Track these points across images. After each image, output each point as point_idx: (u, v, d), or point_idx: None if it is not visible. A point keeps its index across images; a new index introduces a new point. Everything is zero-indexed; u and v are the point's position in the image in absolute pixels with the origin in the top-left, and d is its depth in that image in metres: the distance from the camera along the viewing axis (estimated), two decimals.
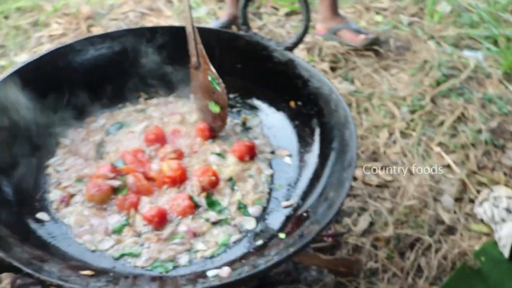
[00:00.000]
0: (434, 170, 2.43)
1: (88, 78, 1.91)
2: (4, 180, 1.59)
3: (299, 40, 1.86)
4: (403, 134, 2.60)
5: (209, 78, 1.75)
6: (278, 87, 1.89)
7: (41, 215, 1.59)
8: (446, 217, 2.26)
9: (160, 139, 1.79)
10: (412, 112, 2.69)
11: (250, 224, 1.59)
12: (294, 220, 1.54)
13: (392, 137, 2.58)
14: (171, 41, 1.96)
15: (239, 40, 1.95)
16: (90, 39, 1.93)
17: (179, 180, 1.65)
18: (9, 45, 3.13)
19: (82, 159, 1.76)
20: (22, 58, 3.02)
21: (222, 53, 1.95)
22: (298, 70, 1.84)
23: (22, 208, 1.58)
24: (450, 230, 2.23)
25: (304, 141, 1.78)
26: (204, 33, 1.93)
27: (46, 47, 3.11)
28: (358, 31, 3.04)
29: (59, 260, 1.43)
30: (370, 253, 2.12)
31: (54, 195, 1.66)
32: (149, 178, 1.67)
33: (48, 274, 1.29)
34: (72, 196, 1.65)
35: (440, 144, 2.55)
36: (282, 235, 1.50)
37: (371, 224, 2.22)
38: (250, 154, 1.76)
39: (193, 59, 1.77)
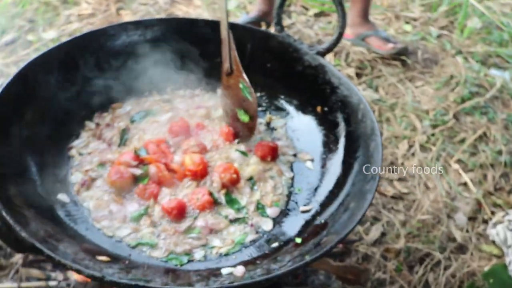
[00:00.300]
0: (450, 187, 2.43)
1: (117, 63, 1.91)
2: (30, 159, 1.60)
3: (332, 46, 1.86)
4: (423, 148, 2.60)
5: (241, 85, 1.73)
6: (306, 90, 1.89)
7: (61, 196, 1.60)
8: (458, 235, 2.25)
9: (184, 132, 1.79)
10: (434, 126, 2.68)
11: (267, 225, 1.59)
12: (312, 227, 1.54)
13: (412, 150, 2.57)
14: (204, 34, 1.96)
15: (272, 40, 1.95)
16: (124, 25, 1.93)
17: (200, 174, 1.66)
18: (38, 21, 3.14)
19: (106, 144, 1.77)
20: (50, 35, 3.03)
21: (253, 51, 1.95)
22: (328, 76, 1.83)
23: (44, 188, 1.59)
24: (461, 248, 2.23)
25: (328, 148, 1.78)
26: (238, 29, 1.94)
27: (75, 26, 3.12)
28: (386, 40, 3.03)
29: (74, 242, 1.44)
30: (379, 263, 2.12)
31: (75, 177, 1.67)
32: (170, 170, 1.67)
33: (63, 255, 1.29)
34: (93, 180, 1.66)
35: (459, 161, 2.55)
36: (298, 240, 1.51)
37: (383, 234, 2.23)
38: (273, 155, 1.76)
39: (226, 65, 1.74)
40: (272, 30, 2.88)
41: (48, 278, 1.91)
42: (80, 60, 1.83)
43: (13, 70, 2.72)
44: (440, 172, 2.48)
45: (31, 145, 1.60)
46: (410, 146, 2.59)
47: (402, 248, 2.17)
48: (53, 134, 1.71)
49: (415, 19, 3.52)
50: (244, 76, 1.72)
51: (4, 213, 1.15)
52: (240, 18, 3.13)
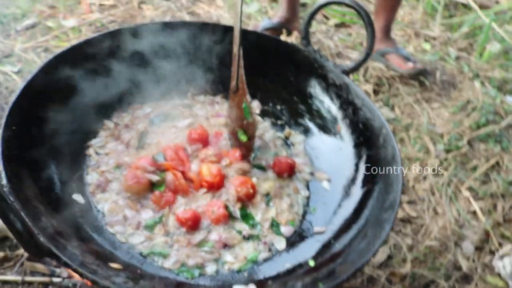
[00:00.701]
0: (459, 214, 2.42)
1: (141, 63, 1.89)
2: (50, 157, 1.58)
3: (358, 66, 1.84)
4: (435, 172, 2.58)
5: (243, 105, 1.71)
6: (327, 109, 1.87)
7: (76, 197, 1.59)
8: (464, 264, 2.24)
9: (203, 140, 1.78)
10: (448, 151, 2.66)
11: (280, 244, 1.58)
12: (327, 252, 1.52)
13: (423, 173, 2.56)
14: (229, 41, 1.94)
15: (297, 53, 1.93)
16: (151, 25, 1.91)
17: (216, 186, 1.65)
18: (59, 7, 3.12)
19: (124, 145, 1.76)
20: (70, 23, 3.01)
21: (278, 62, 1.94)
22: (352, 96, 1.82)
23: (61, 187, 1.57)
24: (466, 278, 2.21)
25: (346, 170, 1.76)
26: (263, 39, 1.93)
27: (95, 16, 3.10)
28: (407, 58, 3.01)
29: (85, 245, 1.43)
30: (384, 286, 2.11)
31: (91, 177, 1.66)
32: (187, 178, 1.66)
33: (70, 257, 1.26)
34: (109, 182, 1.64)
35: (469, 188, 2.53)
36: (312, 263, 1.49)
37: (389, 257, 2.21)
38: (290, 172, 1.75)
39: (233, 83, 1.70)
40: (293, 38, 2.88)
41: (52, 274, 1.89)
42: (105, 56, 1.82)
43: (31, 56, 2.71)
44: (450, 198, 2.46)
45: (51, 142, 1.59)
46: (422, 169, 2.58)
47: (408, 273, 2.15)
48: (72, 131, 1.69)
49: (434, 38, 3.50)
50: (248, 96, 1.70)
51: (25, 217, 1.13)
52: (262, 23, 3.11)
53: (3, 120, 1.46)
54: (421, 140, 2.70)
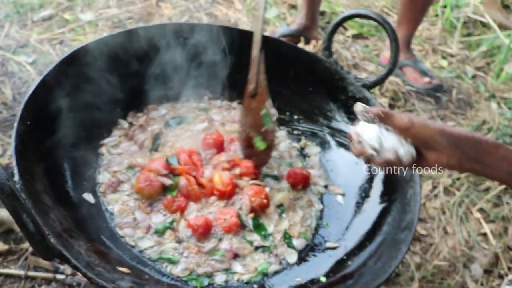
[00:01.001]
0: (469, 236, 2.38)
1: (157, 63, 1.86)
2: (63, 153, 1.56)
3: (380, 82, 1.81)
4: (447, 191, 2.55)
5: (263, 112, 1.64)
6: (347, 123, 1.84)
7: (87, 196, 1.56)
8: (472, 287, 2.21)
9: (218, 145, 1.75)
10: None
11: (292, 257, 1.55)
12: (340, 270, 1.48)
13: (435, 191, 2.52)
14: (247, 46, 1.91)
15: (318, 64, 1.90)
16: (172, 25, 1.88)
17: (227, 196, 1.61)
18: (77, 0, 3.10)
19: (137, 146, 1.73)
20: (88, 17, 2.99)
21: (297, 71, 1.91)
22: None
23: (72, 185, 1.55)
24: None
25: (362, 186, 1.73)
26: (284, 47, 1.91)
27: (113, 11, 3.08)
28: (423, 73, 2.98)
29: (89, 245, 1.39)
30: None
31: (103, 177, 1.63)
32: (199, 184, 1.63)
33: (77, 258, 1.22)
34: (120, 182, 1.62)
35: (481, 210, 2.50)
36: (323, 279, 1.46)
37: (397, 275, 2.18)
38: (304, 183, 1.72)
39: (251, 86, 1.64)
40: (311, 47, 2.85)
41: (56, 270, 1.87)
42: (123, 55, 1.79)
43: (46, 48, 2.69)
44: (461, 218, 2.43)
45: (65, 138, 1.56)
46: (434, 188, 2.54)
47: None
48: (86, 129, 1.66)
49: (452, 55, 3.46)
50: (269, 102, 1.65)
51: (35, 215, 1.10)
52: (280, 29, 3.08)
53: (18, 114, 1.43)
54: None
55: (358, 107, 1.23)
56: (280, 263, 1.53)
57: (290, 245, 1.57)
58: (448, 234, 2.38)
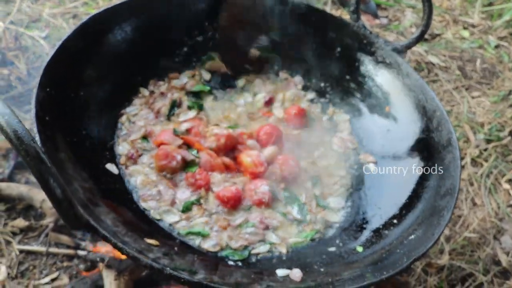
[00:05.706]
0: (499, 207, 2.31)
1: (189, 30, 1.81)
2: (85, 122, 1.49)
3: (412, 45, 1.74)
4: (474, 162, 2.47)
5: None
6: (375, 88, 1.76)
7: (110, 167, 1.49)
8: (503, 259, 2.14)
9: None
10: (488, 141, 2.54)
11: (333, 217, 1.48)
12: (377, 240, 1.41)
13: (462, 162, 2.45)
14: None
15: (345, 28, 1.81)
16: None
17: (261, 175, 1.53)
18: None
19: (153, 114, 1.65)
20: None
21: (324, 35, 1.83)
22: (403, 75, 1.71)
23: (94, 154, 1.48)
24: (505, 273, 2.11)
25: (394, 153, 1.65)
26: (312, 12, 1.83)
27: None
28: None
29: (116, 216, 1.33)
30: (420, 277, 2.02)
31: (122, 148, 1.55)
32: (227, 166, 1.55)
33: (106, 229, 1.16)
34: (139, 154, 1.54)
35: (510, 181, 2.42)
36: (360, 249, 1.39)
37: None
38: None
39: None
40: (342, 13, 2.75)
41: (77, 247, 1.81)
42: (149, 19, 1.72)
43: (59, 22, 2.62)
44: (490, 190, 2.36)
45: (87, 106, 1.49)
46: (461, 159, 2.46)
47: (445, 264, 2.05)
48: (107, 97, 1.59)
49: (473, 26, 3.36)
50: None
51: (63, 185, 1.03)
52: None
53: (37, 80, 1.36)
54: (461, 129, 2.59)
55: None
56: (316, 233, 1.46)
57: (326, 207, 1.51)
58: (477, 205, 2.31)
